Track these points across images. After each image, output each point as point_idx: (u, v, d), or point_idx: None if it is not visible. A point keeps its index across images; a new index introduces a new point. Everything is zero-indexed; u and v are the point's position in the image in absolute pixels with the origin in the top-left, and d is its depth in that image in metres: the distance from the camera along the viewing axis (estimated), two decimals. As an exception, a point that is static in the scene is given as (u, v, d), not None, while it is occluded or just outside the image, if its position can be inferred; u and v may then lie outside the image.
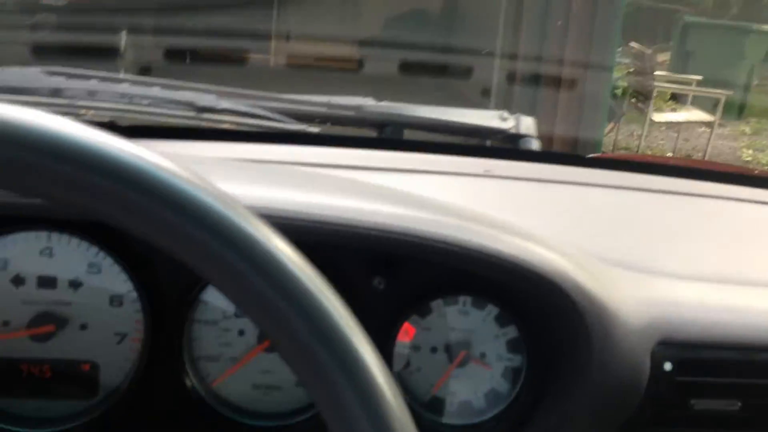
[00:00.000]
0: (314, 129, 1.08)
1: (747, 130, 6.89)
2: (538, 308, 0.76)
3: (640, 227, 0.97)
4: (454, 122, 1.22)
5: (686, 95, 5.96)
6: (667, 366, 0.75)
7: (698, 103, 5.91)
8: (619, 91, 5.79)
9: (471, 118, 1.24)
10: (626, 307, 0.75)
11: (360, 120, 1.16)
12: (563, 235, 0.81)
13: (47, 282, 0.73)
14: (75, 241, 0.73)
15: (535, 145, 1.22)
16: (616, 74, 5.46)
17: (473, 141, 1.28)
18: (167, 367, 0.74)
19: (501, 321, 0.78)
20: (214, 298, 0.75)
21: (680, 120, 5.70)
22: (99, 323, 0.74)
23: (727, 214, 1.05)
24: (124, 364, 0.75)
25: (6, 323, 0.73)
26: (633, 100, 5.77)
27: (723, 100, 5.55)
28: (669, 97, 6.05)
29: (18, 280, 0.72)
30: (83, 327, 0.74)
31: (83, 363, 0.74)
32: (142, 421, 0.75)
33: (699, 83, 5.92)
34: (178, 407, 0.75)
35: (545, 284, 0.71)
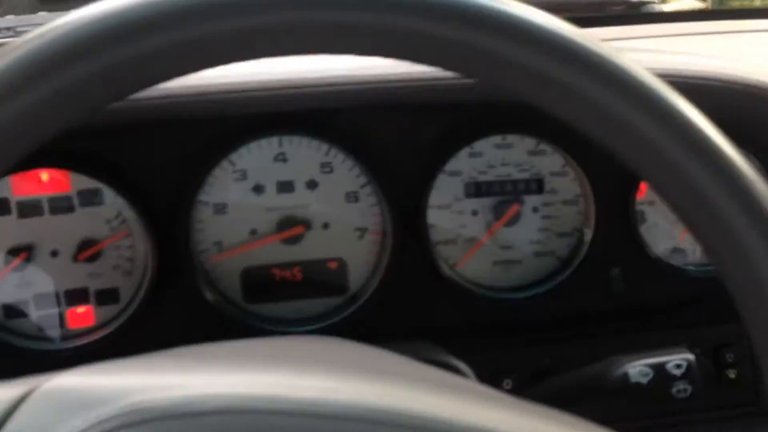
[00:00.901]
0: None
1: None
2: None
3: None
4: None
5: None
6: None
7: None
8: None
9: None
10: None
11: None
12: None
13: (285, 186, 0.73)
14: (305, 142, 0.72)
15: (659, 9, 1.21)
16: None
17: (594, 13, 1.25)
18: (411, 255, 0.74)
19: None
20: (446, 183, 0.75)
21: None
22: (339, 221, 0.74)
23: None
24: (369, 258, 0.75)
25: (254, 231, 0.73)
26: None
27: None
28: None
29: (258, 189, 0.72)
30: (325, 226, 0.74)
31: (330, 261, 0.75)
32: (394, 310, 0.75)
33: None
34: (427, 291, 0.76)
35: None
